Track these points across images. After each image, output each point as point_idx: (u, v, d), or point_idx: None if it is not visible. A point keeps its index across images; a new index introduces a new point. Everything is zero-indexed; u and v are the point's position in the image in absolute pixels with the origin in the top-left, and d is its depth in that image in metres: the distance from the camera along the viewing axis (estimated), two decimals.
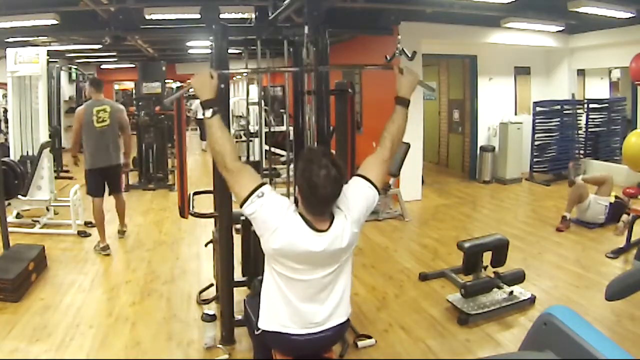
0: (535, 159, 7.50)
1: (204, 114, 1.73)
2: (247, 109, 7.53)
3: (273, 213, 1.65)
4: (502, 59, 7.62)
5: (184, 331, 3.03)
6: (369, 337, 2.89)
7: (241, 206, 1.68)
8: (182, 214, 2.81)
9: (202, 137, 13.08)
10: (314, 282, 1.70)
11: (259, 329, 1.79)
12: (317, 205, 1.65)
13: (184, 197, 2.75)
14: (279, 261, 1.69)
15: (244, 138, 7.64)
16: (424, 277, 3.80)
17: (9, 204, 4.84)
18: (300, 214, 1.68)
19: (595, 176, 5.22)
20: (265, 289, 1.79)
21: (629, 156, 5.99)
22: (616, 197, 5.09)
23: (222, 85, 2.60)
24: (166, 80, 8.65)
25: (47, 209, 5.32)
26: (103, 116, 4.41)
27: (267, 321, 1.77)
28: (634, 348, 2.71)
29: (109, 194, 4.67)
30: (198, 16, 4.74)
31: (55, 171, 6.65)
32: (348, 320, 1.83)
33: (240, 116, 8.95)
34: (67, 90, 11.56)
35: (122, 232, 4.99)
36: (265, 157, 6.27)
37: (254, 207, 1.65)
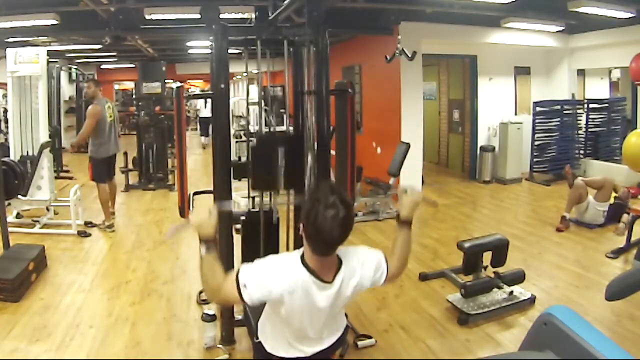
0: (535, 159, 7.50)
1: (200, 249, 1.66)
2: (247, 109, 7.52)
3: (271, 287, 1.56)
4: (502, 59, 7.62)
5: (184, 331, 3.03)
6: (369, 337, 2.89)
7: (246, 303, 1.61)
8: (182, 214, 2.80)
9: (202, 134, 13.35)
10: (314, 329, 1.69)
11: (257, 338, 1.82)
12: (322, 248, 1.56)
13: (184, 197, 2.75)
14: (281, 318, 1.67)
15: (244, 138, 7.63)
16: (424, 277, 3.80)
17: (9, 204, 4.83)
18: (305, 264, 1.60)
19: (594, 180, 5.20)
20: (266, 318, 1.81)
21: (629, 156, 5.99)
22: (616, 197, 5.09)
23: (222, 86, 2.60)
24: (166, 80, 8.63)
25: (47, 209, 5.31)
26: (111, 112, 5.22)
27: (266, 343, 1.79)
28: (634, 348, 2.71)
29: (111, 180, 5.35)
30: (198, 16, 4.77)
31: (55, 171, 6.64)
32: (347, 327, 1.84)
33: (240, 116, 8.95)
34: (67, 90, 11.57)
35: (112, 213, 5.39)
36: None
37: (252, 297, 1.56)
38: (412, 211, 1.81)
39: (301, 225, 1.57)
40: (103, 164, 5.12)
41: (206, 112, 12.81)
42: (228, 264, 2.78)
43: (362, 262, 1.67)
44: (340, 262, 1.63)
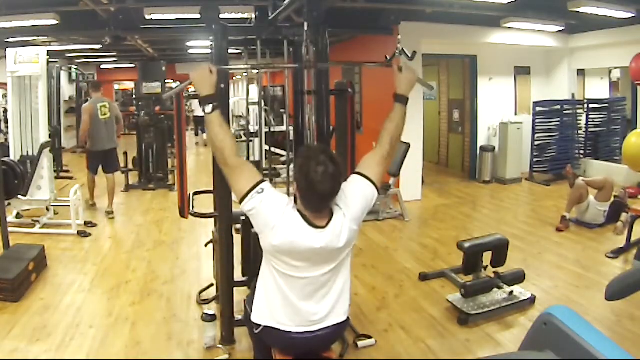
0: (535, 159, 7.50)
1: (204, 110, 1.71)
2: (247, 109, 7.53)
3: (272, 210, 1.65)
4: (502, 59, 7.62)
5: (184, 331, 3.03)
6: (369, 337, 2.89)
7: (241, 202, 1.68)
8: (182, 214, 2.81)
9: (196, 133, 13.90)
10: (313, 279, 1.70)
11: (257, 325, 1.79)
12: (315, 202, 1.65)
13: (184, 197, 2.75)
14: (277, 258, 1.69)
15: (244, 138, 7.64)
16: (424, 277, 3.80)
17: (9, 204, 4.83)
18: (298, 210, 1.68)
19: (595, 180, 5.21)
20: (262, 285, 1.79)
21: (629, 156, 5.99)
22: (615, 196, 5.09)
23: (222, 85, 2.60)
24: (166, 80, 8.64)
25: (47, 209, 5.31)
26: (104, 110, 5.67)
27: (262, 316, 1.77)
28: (634, 348, 2.71)
29: (104, 173, 5.80)
30: (198, 16, 4.76)
31: (55, 171, 6.65)
32: (347, 319, 1.83)
33: (240, 116, 8.96)
34: (67, 90, 11.57)
35: (110, 213, 5.70)
36: (265, 157, 6.27)
37: (253, 203, 1.65)
38: (409, 87, 1.90)
39: (295, 184, 1.67)
40: (95, 156, 5.72)
41: (201, 112, 13.25)
42: (228, 264, 2.78)
43: (348, 201, 1.73)
44: (332, 214, 1.70)
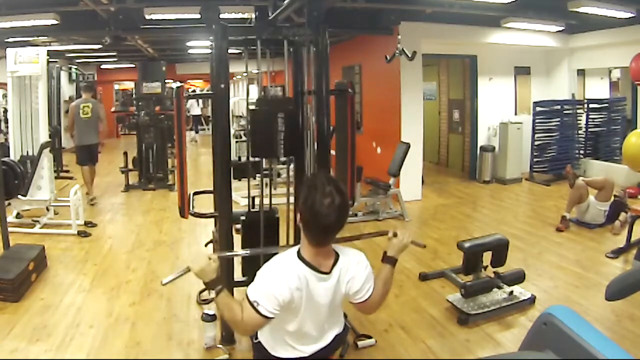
0: (535, 159, 7.50)
1: (208, 294, 1.68)
2: (247, 109, 7.53)
3: (280, 294, 1.57)
4: (502, 59, 7.62)
5: (184, 331, 3.03)
6: (369, 337, 2.89)
7: (270, 318, 1.61)
8: (182, 214, 2.80)
9: (197, 131, 14.83)
10: (314, 331, 1.71)
11: (258, 338, 1.81)
12: (318, 235, 1.59)
13: (184, 197, 2.75)
14: (284, 317, 1.66)
15: (244, 138, 7.64)
16: (424, 277, 3.80)
17: (9, 204, 4.84)
18: (301, 258, 1.62)
19: (595, 180, 5.21)
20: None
21: (629, 156, 5.99)
22: (615, 196, 5.09)
23: (222, 85, 2.60)
24: (166, 80, 8.61)
25: (47, 209, 5.31)
26: (86, 110, 6.36)
27: (265, 343, 1.78)
28: (634, 348, 2.71)
29: (85, 165, 6.48)
30: (198, 16, 4.77)
31: (55, 171, 6.66)
32: (346, 327, 1.84)
33: (240, 116, 8.96)
34: (67, 90, 11.58)
35: (92, 200, 6.41)
36: None
37: (270, 309, 1.56)
38: (400, 252, 1.87)
39: (298, 215, 1.61)
40: (79, 150, 6.50)
41: (196, 111, 15.11)
42: (228, 264, 2.78)
43: (358, 261, 1.70)
44: (337, 255, 1.67)
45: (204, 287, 3.59)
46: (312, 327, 1.69)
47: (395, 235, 1.86)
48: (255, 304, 1.56)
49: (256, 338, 1.81)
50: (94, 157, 6.58)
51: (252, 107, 2.55)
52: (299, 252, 1.64)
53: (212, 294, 1.64)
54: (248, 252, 2.62)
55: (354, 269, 1.68)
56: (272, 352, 1.75)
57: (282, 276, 1.58)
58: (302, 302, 1.61)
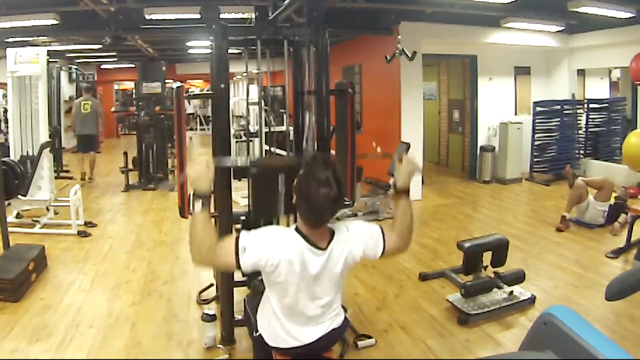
0: (535, 159, 7.49)
1: (193, 207, 1.64)
2: (247, 109, 7.52)
3: (269, 252, 1.60)
4: (502, 59, 7.62)
5: (184, 331, 3.03)
6: (369, 337, 2.89)
7: (242, 271, 1.64)
8: (182, 214, 2.80)
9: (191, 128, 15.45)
10: (310, 310, 1.70)
11: (257, 330, 1.80)
12: (313, 218, 1.62)
13: (184, 197, 2.75)
14: (279, 293, 1.69)
15: (244, 138, 7.63)
16: (424, 277, 3.80)
17: (9, 204, 4.83)
18: (299, 231, 1.65)
19: (595, 180, 5.21)
20: (264, 308, 1.80)
21: (629, 156, 5.99)
22: (616, 197, 5.09)
23: (222, 85, 2.60)
24: (166, 80, 8.63)
25: (47, 209, 5.31)
26: (86, 107, 7.71)
27: (264, 335, 1.78)
28: (634, 348, 2.71)
29: (85, 152, 7.88)
30: (198, 16, 4.77)
31: (55, 171, 6.65)
32: (346, 320, 1.84)
33: (240, 116, 8.94)
34: (67, 90, 11.58)
35: (90, 179, 7.78)
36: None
37: (249, 262, 1.59)
38: (409, 180, 1.82)
39: (294, 196, 1.63)
40: (79, 139, 8.00)
41: (190, 109, 16.21)
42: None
43: (353, 232, 1.72)
44: (333, 233, 1.68)
45: (204, 287, 3.62)
46: (306, 303, 1.69)
47: (400, 160, 1.83)
48: (241, 249, 1.58)
49: (256, 331, 1.81)
50: (93, 145, 7.88)
51: (253, 169, 2.54)
52: (297, 228, 1.67)
53: (197, 206, 1.63)
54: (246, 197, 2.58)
55: (350, 242, 1.69)
56: (273, 343, 1.75)
57: (280, 241, 1.63)
58: (295, 276, 1.62)
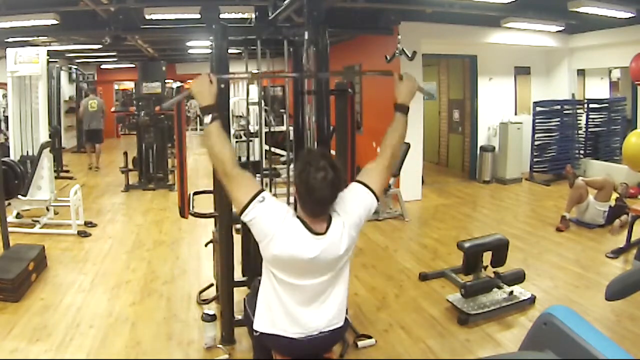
0: (535, 159, 7.49)
1: (203, 120, 1.70)
2: (247, 109, 7.52)
3: (272, 218, 1.64)
4: (502, 59, 7.62)
5: (184, 331, 3.03)
6: (369, 337, 2.89)
7: (241, 213, 1.66)
8: (182, 214, 2.81)
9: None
10: (312, 287, 1.71)
11: (256, 331, 1.79)
12: (313, 207, 1.65)
13: (184, 197, 2.75)
14: (277, 267, 1.70)
15: (244, 138, 7.63)
16: (424, 277, 3.80)
17: (9, 204, 4.83)
18: (298, 217, 1.68)
19: (595, 180, 5.21)
20: (263, 294, 1.80)
21: (629, 156, 5.98)
22: (617, 199, 5.09)
23: (222, 85, 2.60)
24: (166, 80, 8.65)
25: (47, 209, 5.31)
26: (93, 105, 9.08)
27: (264, 324, 1.77)
28: (634, 348, 2.71)
29: (93, 143, 9.17)
30: (198, 16, 4.77)
31: (55, 171, 6.66)
32: (346, 321, 1.84)
33: (240, 116, 8.95)
34: (67, 90, 11.58)
35: (97, 168, 8.93)
36: (265, 157, 6.26)
37: (254, 213, 1.64)
38: (410, 96, 1.88)
39: (294, 188, 1.68)
40: (86, 133, 9.30)
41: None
42: (228, 264, 2.78)
43: (344, 208, 1.73)
44: (330, 218, 1.70)
45: (204, 287, 3.62)
46: (306, 288, 1.69)
47: (400, 78, 1.87)
48: (259, 198, 1.64)
49: (255, 332, 1.81)
50: (98, 138, 9.14)
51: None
52: (297, 215, 1.70)
53: (207, 119, 1.67)
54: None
55: (347, 221, 1.70)
56: (273, 330, 1.74)
57: (285, 220, 1.65)
58: (294, 256, 1.64)
